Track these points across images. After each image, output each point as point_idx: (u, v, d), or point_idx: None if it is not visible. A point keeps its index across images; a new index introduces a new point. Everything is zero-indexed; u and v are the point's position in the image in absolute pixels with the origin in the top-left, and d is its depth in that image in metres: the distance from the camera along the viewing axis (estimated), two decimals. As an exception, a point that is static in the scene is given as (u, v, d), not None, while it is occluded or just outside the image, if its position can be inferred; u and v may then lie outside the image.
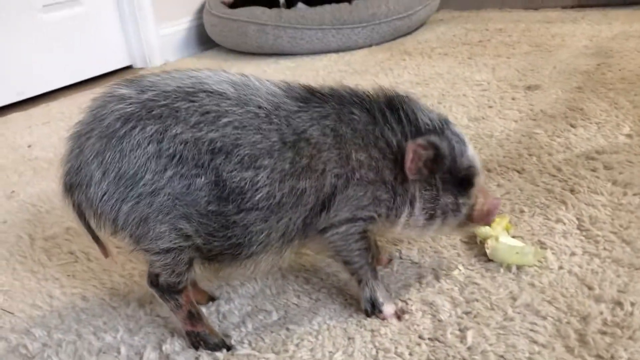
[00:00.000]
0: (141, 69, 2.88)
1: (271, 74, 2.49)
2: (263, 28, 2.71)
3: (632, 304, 0.92)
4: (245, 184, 0.85)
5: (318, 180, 0.88)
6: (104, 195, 0.85)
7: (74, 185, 0.87)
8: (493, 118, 1.74)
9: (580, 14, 2.97)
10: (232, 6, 2.90)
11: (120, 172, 0.84)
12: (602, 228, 1.14)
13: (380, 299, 0.95)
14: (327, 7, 2.70)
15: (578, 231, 1.14)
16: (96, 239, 0.94)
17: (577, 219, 1.18)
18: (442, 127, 0.92)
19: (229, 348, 0.92)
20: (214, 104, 0.85)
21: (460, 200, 0.94)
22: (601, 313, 0.92)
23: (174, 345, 0.94)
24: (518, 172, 1.40)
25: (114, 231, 0.89)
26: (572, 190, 1.28)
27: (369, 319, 0.96)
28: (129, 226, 0.86)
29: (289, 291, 1.05)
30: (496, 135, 1.62)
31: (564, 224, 1.17)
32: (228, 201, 0.85)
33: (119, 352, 0.94)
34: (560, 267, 1.04)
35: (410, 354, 0.88)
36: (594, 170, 1.36)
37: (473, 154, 0.95)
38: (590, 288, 0.98)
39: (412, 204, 0.93)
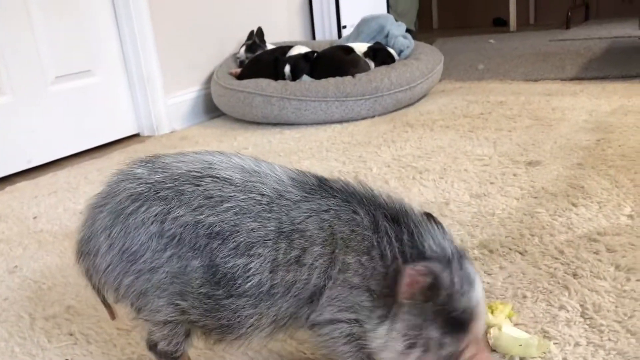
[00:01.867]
0: (148, 137, 2.94)
1: (276, 144, 2.54)
2: (268, 99, 2.77)
3: (638, 403, 0.91)
4: (237, 270, 0.85)
5: (306, 274, 0.87)
6: (108, 267, 0.89)
7: (84, 253, 0.94)
8: (495, 195, 1.75)
9: (579, 86, 3.04)
10: (240, 77, 2.98)
11: (124, 247, 0.88)
12: (606, 316, 1.12)
13: None
14: (331, 80, 2.77)
15: (582, 319, 1.13)
16: (105, 302, 0.98)
17: (581, 305, 1.17)
18: (450, 258, 0.85)
19: None
20: (218, 189, 0.87)
21: (446, 340, 0.83)
22: (607, 412, 0.90)
23: None
24: (520, 253, 1.40)
25: (117, 299, 0.93)
26: (574, 275, 1.28)
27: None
28: (130, 297, 0.90)
29: (288, 381, 1.04)
30: (498, 213, 1.63)
31: (567, 311, 1.16)
32: (219, 285, 0.86)
33: None
34: (564, 359, 1.02)
35: None
36: (596, 253, 1.36)
37: (478, 299, 0.85)
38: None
39: (392, 323, 0.85)
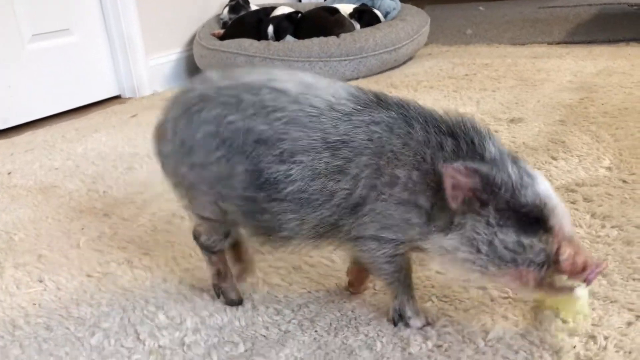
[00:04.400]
0: (129, 98, 2.89)
1: (258, 105, 2.50)
2: (251, 60, 2.73)
3: (606, 338, 0.90)
4: (279, 175, 0.89)
5: (350, 184, 0.88)
6: (169, 153, 1.00)
7: (156, 136, 1.03)
8: (475, 150, 1.74)
9: (566, 50, 3.01)
10: (222, 38, 2.93)
11: (183, 139, 0.96)
12: (579, 260, 1.12)
13: (409, 313, 0.96)
14: (315, 40, 2.73)
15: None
16: None
17: (554, 251, 1.16)
18: (503, 159, 0.83)
19: (241, 302, 1.07)
20: (272, 99, 0.91)
21: (526, 242, 0.81)
22: (574, 347, 0.90)
23: (136, 377, 0.91)
24: (497, 203, 1.38)
25: (174, 185, 1.03)
26: (550, 222, 1.27)
27: (337, 350, 0.94)
28: (183, 186, 1.01)
29: (257, 323, 1.03)
30: (477, 167, 1.61)
31: (541, 256, 1.15)
32: (261, 189, 0.91)
33: (78, 384, 0.91)
34: (535, 299, 1.02)
35: (377, 389, 0.85)
36: (573, 202, 1.35)
37: (546, 190, 0.82)
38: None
39: (450, 232, 0.84)
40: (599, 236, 1.20)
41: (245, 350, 0.96)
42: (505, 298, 1.03)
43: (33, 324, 1.08)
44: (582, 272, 0.81)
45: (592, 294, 1.01)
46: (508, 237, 0.81)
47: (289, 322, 1.02)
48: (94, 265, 1.27)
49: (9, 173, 1.91)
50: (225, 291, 1.08)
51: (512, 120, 1.96)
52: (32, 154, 2.08)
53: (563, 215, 0.82)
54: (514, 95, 2.27)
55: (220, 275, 1.07)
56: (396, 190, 0.86)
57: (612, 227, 1.23)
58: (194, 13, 3.19)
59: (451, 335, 0.95)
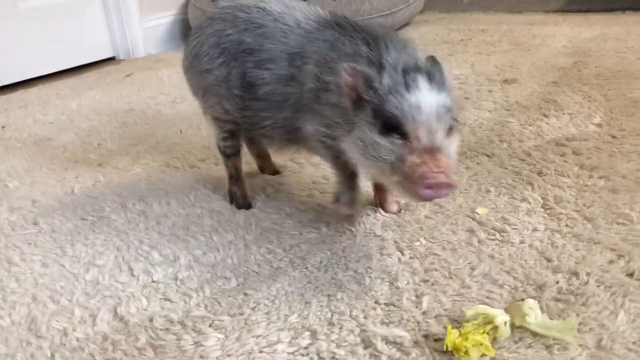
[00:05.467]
0: (123, 60, 2.87)
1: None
2: (247, 22, 2.71)
3: (588, 274, 0.93)
4: (256, 79, 1.08)
5: (299, 89, 1.03)
6: (188, 64, 1.21)
7: (183, 54, 1.24)
8: (468, 108, 1.75)
9: (562, 17, 3.00)
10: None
11: (196, 51, 1.17)
12: (565, 207, 1.14)
13: (342, 199, 1.10)
14: (312, 2, 2.71)
15: (542, 209, 1.15)
16: None
17: (542, 198, 1.18)
18: (397, 67, 0.90)
19: (250, 207, 1.25)
20: (259, 16, 1.11)
21: (380, 142, 0.87)
22: (557, 282, 0.92)
23: (129, 308, 0.94)
24: (487, 156, 1.40)
25: (194, 93, 1.24)
26: (539, 173, 1.29)
27: (326, 284, 0.96)
28: (198, 92, 1.22)
29: (250, 260, 1.05)
30: (469, 123, 1.62)
31: (529, 203, 1.17)
32: (245, 89, 1.10)
33: (72, 314, 0.93)
34: (522, 242, 1.04)
35: (364, 317, 0.87)
36: (562, 155, 1.37)
37: (415, 103, 0.86)
38: (549, 260, 0.98)
39: (352, 131, 0.93)
40: (586, 185, 1.22)
41: (238, 285, 0.98)
42: (492, 240, 1.05)
43: (29, 261, 1.10)
44: (416, 181, 0.83)
45: (577, 236, 1.04)
46: (371, 134, 0.89)
47: (281, 260, 1.04)
48: (88, 209, 1.28)
49: (3, 127, 1.91)
50: (233, 195, 1.26)
51: (505, 81, 1.97)
52: (25, 110, 2.08)
53: (425, 128, 0.85)
54: (508, 59, 2.27)
55: (232, 179, 1.27)
56: (328, 94, 0.98)
57: (600, 177, 1.25)
58: (189, -25, 3.16)
59: (437, 272, 0.97)
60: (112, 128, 1.81)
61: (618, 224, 1.07)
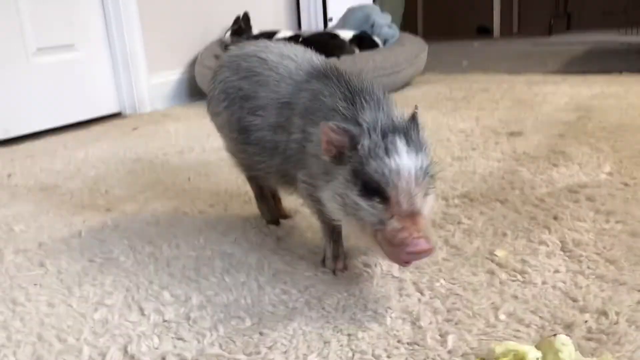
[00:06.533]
0: (130, 115, 2.90)
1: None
2: (253, 78, 2.76)
3: (617, 313, 0.90)
4: (249, 124, 1.14)
5: (285, 137, 1.07)
6: (207, 104, 1.30)
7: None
8: (476, 158, 1.75)
9: (561, 77, 3.07)
10: (224, 59, 2.97)
11: (211, 94, 1.27)
12: (585, 249, 1.12)
13: (327, 254, 1.11)
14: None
15: (561, 252, 1.12)
16: None
17: (561, 241, 1.16)
18: (376, 128, 0.90)
19: (278, 223, 1.34)
20: (257, 65, 1.16)
21: (362, 203, 0.88)
22: (586, 322, 0.89)
23: (140, 347, 0.89)
24: (500, 202, 1.39)
25: (217, 129, 1.30)
26: (555, 218, 1.27)
27: (345, 324, 0.92)
28: (217, 129, 1.30)
29: (264, 301, 1.01)
30: (479, 172, 1.62)
31: (547, 245, 1.15)
32: (241, 133, 1.16)
33: (80, 353, 0.89)
34: (544, 282, 1.01)
35: (388, 357, 0.83)
36: (576, 201, 1.36)
37: (395, 168, 0.86)
38: (574, 300, 0.95)
39: (331, 185, 0.94)
40: (604, 229, 1.20)
41: (252, 324, 0.94)
42: (514, 281, 1.03)
43: (34, 301, 1.06)
44: (397, 246, 0.84)
45: (601, 277, 1.01)
46: (352, 195, 0.89)
47: (296, 300, 1.01)
48: (95, 252, 1.25)
49: (9, 175, 1.90)
50: (262, 211, 1.35)
51: (511, 134, 1.99)
52: (32, 159, 2.08)
53: (405, 193, 0.86)
54: (512, 114, 2.30)
55: (257, 197, 1.35)
56: (310, 145, 1.01)
57: (617, 222, 1.23)
58: (196, 35, 3.24)
59: (460, 311, 0.94)
60: (120, 176, 1.80)
61: (641, 265, 1.05)
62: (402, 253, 0.84)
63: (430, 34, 6.73)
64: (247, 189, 1.54)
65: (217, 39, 3.32)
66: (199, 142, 2.15)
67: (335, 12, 3.76)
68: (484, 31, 6.32)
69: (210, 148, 2.06)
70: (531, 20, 6.18)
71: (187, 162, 1.90)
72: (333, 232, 1.10)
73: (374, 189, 0.87)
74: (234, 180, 1.67)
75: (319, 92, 1.02)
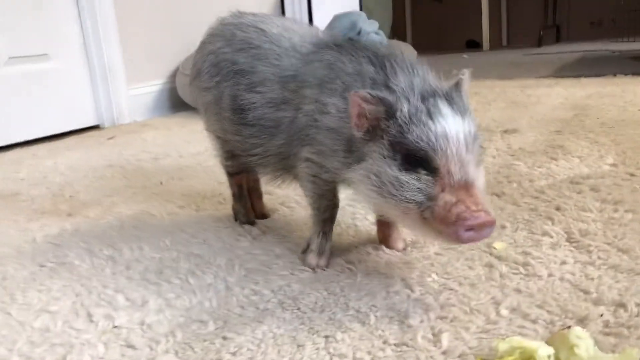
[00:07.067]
0: (109, 128, 2.78)
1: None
2: (235, 86, 2.66)
3: (637, 305, 0.77)
4: (246, 102, 1.01)
5: (292, 113, 0.95)
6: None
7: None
8: (469, 155, 1.64)
9: (554, 81, 2.99)
10: (206, 67, 2.86)
11: (197, 66, 1.13)
12: (594, 239, 1.00)
13: (312, 246, 0.99)
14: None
15: (567, 243, 1.00)
16: None
17: (566, 232, 1.04)
18: (413, 91, 0.79)
19: (253, 224, 1.20)
20: (255, 37, 1.04)
21: (403, 179, 0.76)
22: (601, 315, 0.76)
23: (82, 356, 0.76)
24: (497, 195, 1.27)
25: (198, 108, 1.19)
26: (557, 209, 1.16)
27: (323, 325, 0.79)
28: (200, 107, 1.17)
29: (231, 303, 0.88)
30: (473, 167, 1.51)
31: (551, 237, 1.03)
32: (236, 113, 1.03)
33: (11, 365, 0.75)
34: (550, 275, 0.89)
35: None
36: (579, 192, 1.24)
37: (442, 133, 0.75)
38: (586, 292, 0.83)
39: (360, 162, 0.82)
40: (612, 218, 1.09)
41: (216, 329, 0.81)
42: (516, 274, 0.90)
43: (-32, 310, 0.92)
44: (452, 223, 0.72)
45: (615, 268, 0.89)
46: (391, 171, 0.77)
47: (268, 301, 0.88)
48: (48, 256, 1.12)
49: (-29, 184, 1.76)
50: (236, 212, 1.22)
51: (506, 131, 1.88)
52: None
53: (456, 161, 0.74)
54: (506, 114, 2.20)
55: (235, 196, 1.22)
56: (326, 118, 0.88)
57: (626, 211, 1.12)
58: (177, 46, 3.13)
59: (456, 307, 0.81)
60: (88, 182, 1.67)
61: (658, 254, 0.93)
62: (460, 230, 0.72)
63: (419, 49, 6.67)
64: (222, 189, 1.42)
65: (199, 49, 3.22)
66: (176, 149, 2.03)
67: (321, 20, 3.67)
68: (474, 45, 6.27)
69: (188, 154, 1.94)
70: (520, 32, 6.14)
71: (162, 168, 1.78)
72: (325, 224, 0.99)
73: (418, 161, 0.75)
74: (209, 182, 1.55)
75: (336, 60, 0.91)
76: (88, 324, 0.85)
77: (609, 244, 0.98)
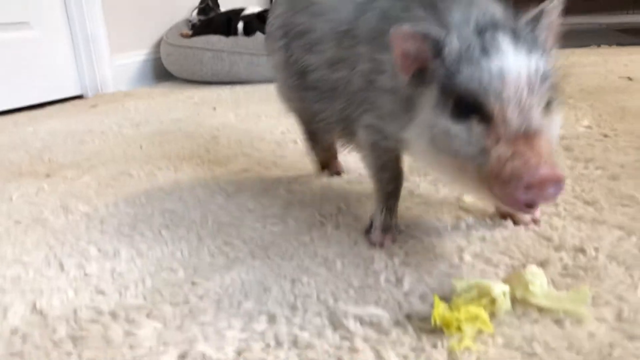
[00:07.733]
0: (92, 98, 2.76)
1: (226, 97, 2.39)
2: (219, 55, 2.64)
3: (596, 249, 0.79)
4: (306, 64, 0.93)
5: (347, 72, 0.85)
6: (265, 40, 1.12)
7: None
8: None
9: (539, 52, 2.98)
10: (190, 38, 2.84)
11: (268, 30, 1.08)
12: (562, 193, 1.02)
13: (376, 223, 0.89)
14: None
15: (535, 197, 1.02)
16: None
17: (535, 187, 1.06)
18: (468, 25, 0.67)
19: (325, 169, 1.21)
20: None
21: (453, 130, 0.65)
22: (561, 259, 0.78)
23: (52, 301, 0.77)
24: (472, 155, 1.29)
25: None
26: (529, 166, 1.17)
27: (290, 271, 0.81)
28: (273, 69, 1.08)
29: (202, 252, 0.90)
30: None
31: (520, 191, 1.05)
32: (297, 77, 0.96)
33: (-19, 309, 0.76)
34: (516, 224, 0.91)
35: (335, 300, 0.72)
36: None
37: (499, 72, 0.63)
38: (549, 240, 0.85)
39: (416, 115, 0.71)
40: (582, 174, 1.10)
41: (186, 276, 0.82)
42: (483, 225, 0.92)
43: (-58, 261, 0.93)
44: (507, 182, 0.60)
45: (579, 218, 0.91)
46: (442, 121, 0.66)
47: (239, 250, 0.89)
48: (24, 214, 1.12)
49: (-51, 149, 1.76)
50: (315, 162, 1.21)
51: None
52: (-22, 137, 1.94)
53: (514, 105, 0.62)
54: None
55: (311, 152, 1.20)
56: (383, 78, 0.77)
57: (596, 168, 1.13)
58: (161, 16, 3.11)
59: (420, 254, 0.83)
60: (67, 146, 1.67)
61: (623, 205, 0.95)
62: (518, 190, 0.59)
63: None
64: (201, 152, 1.43)
65: (183, 19, 3.20)
66: (157, 116, 2.03)
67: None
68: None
69: (169, 120, 1.94)
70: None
71: (142, 133, 1.78)
72: (389, 199, 0.89)
73: (470, 107, 0.64)
74: (188, 146, 1.55)
75: (390, 8, 0.79)
76: (59, 272, 0.86)
77: (576, 197, 1.00)
